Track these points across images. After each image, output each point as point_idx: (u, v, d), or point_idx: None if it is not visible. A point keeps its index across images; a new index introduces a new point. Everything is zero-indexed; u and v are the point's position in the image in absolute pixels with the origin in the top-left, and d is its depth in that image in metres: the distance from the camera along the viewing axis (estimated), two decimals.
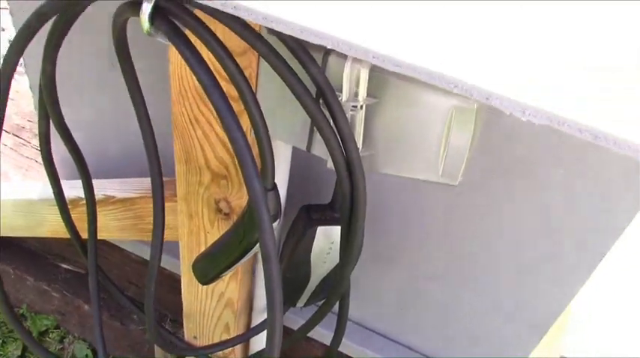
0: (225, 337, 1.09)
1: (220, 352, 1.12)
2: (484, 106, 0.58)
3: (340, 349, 1.14)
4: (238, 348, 1.14)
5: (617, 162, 0.74)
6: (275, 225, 0.66)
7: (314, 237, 0.81)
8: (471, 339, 1.08)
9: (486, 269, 0.95)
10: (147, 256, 1.29)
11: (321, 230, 0.82)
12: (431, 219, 0.93)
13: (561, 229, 0.84)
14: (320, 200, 0.85)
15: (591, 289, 1.11)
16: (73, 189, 1.01)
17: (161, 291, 1.35)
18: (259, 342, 1.11)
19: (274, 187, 0.62)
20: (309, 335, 1.20)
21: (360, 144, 0.61)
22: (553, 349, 1.09)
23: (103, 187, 1.05)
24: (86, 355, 1.57)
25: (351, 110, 0.59)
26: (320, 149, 0.65)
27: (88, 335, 1.57)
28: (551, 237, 0.86)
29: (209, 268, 0.76)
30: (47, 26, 0.61)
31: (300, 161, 0.84)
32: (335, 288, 0.83)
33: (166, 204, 0.96)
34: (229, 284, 0.95)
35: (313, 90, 0.58)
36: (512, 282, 0.95)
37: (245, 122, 0.56)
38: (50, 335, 1.61)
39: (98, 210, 1.01)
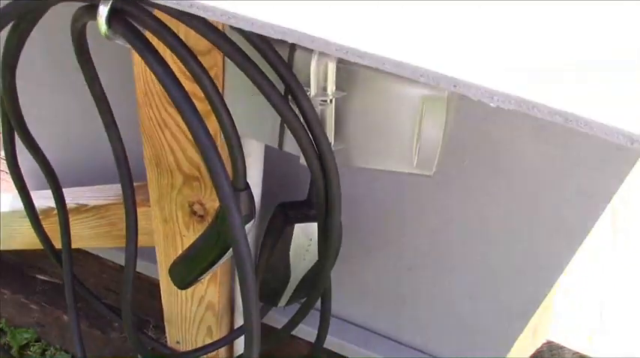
0: (208, 340, 1.08)
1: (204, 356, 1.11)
2: (455, 94, 0.58)
3: (326, 345, 1.14)
4: (222, 351, 1.13)
5: (593, 144, 0.74)
6: (250, 225, 0.65)
7: (292, 235, 0.81)
8: (456, 328, 1.08)
9: (465, 257, 0.95)
10: (124, 263, 1.27)
11: (298, 227, 0.81)
12: (408, 209, 0.93)
13: (539, 213, 0.84)
14: (297, 197, 0.84)
15: (576, 273, 1.12)
16: (45, 199, 0.99)
17: (142, 297, 1.34)
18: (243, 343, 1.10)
19: (247, 187, 0.61)
20: (294, 333, 1.20)
21: (331, 139, 0.60)
22: (539, 333, 1.09)
23: (75, 196, 1.03)
24: None
25: (321, 105, 0.58)
26: (292, 146, 0.64)
27: (69, 346, 1.55)
28: (529, 222, 0.86)
29: (186, 272, 0.75)
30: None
31: (275, 159, 0.83)
32: (316, 285, 0.82)
33: (140, 209, 0.95)
34: (209, 287, 0.94)
35: (281, 86, 0.57)
36: (493, 269, 0.95)
37: (213, 122, 0.55)
38: (31, 349, 1.59)
39: (71, 218, 1.00)
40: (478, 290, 0.99)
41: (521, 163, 0.80)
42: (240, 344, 1.11)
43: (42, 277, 1.48)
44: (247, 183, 0.62)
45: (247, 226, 0.65)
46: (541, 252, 0.89)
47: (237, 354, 1.11)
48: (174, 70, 0.51)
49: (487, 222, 0.89)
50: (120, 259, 1.27)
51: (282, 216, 0.80)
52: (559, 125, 0.37)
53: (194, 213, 0.81)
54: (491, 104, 0.36)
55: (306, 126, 0.58)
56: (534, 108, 0.35)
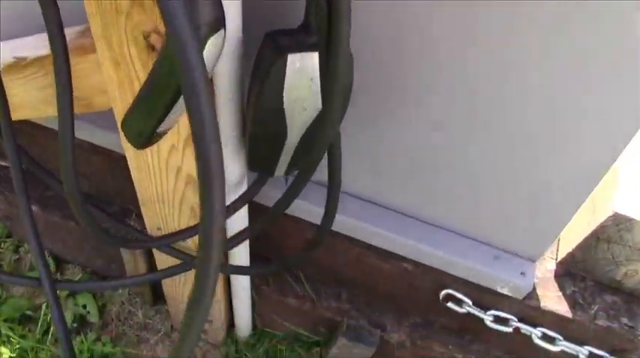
0: (193, 223, 0.92)
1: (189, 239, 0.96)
2: None
3: (335, 228, 0.98)
4: None
5: None
6: (218, 40, 0.47)
7: (284, 71, 0.62)
8: (500, 204, 0.92)
9: (523, 117, 0.77)
10: (91, 139, 1.11)
11: (294, 65, 0.63)
12: (440, 44, 0.73)
13: (614, 59, 0.66)
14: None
15: None
16: None
17: (120, 182, 1.18)
18: (236, 222, 0.94)
19: None
20: (296, 214, 1.04)
21: None
22: (600, 207, 0.93)
23: (12, 48, 0.84)
24: None
25: None
26: None
27: (45, 240, 1.41)
28: (600, 70, 0.67)
29: (141, 121, 0.57)
30: None
31: None
32: (319, 141, 0.65)
33: (90, 56, 0.77)
34: (185, 154, 0.77)
35: None
36: (548, 131, 0.77)
37: None
38: (3, 245, 1.46)
39: (9, 78, 0.83)
40: (535, 158, 0.82)
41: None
42: (233, 222, 0.95)
43: (2, 163, 1.32)
44: None
45: (214, 44, 0.47)
46: (610, 113, 0.72)
47: (231, 235, 0.96)
48: None
49: (545, 67, 0.70)
50: (85, 133, 1.09)
51: (271, 46, 0.62)
52: None
53: (151, 47, 0.62)
54: None
55: None
56: None
